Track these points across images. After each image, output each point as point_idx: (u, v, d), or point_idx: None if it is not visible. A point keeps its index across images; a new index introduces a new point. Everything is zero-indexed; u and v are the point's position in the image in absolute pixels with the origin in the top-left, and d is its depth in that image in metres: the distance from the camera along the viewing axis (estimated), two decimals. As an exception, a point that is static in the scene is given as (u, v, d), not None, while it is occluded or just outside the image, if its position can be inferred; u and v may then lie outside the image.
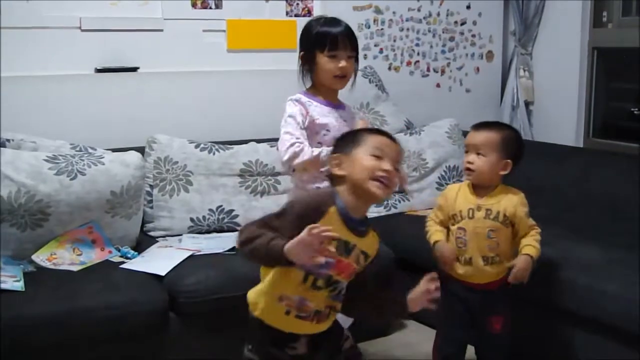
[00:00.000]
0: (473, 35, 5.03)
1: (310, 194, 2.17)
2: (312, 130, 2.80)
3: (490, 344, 2.91)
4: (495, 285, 2.84)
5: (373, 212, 4.07)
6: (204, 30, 4.13)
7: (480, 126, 2.88)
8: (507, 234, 2.81)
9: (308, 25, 2.88)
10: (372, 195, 2.12)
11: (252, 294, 2.20)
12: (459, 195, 2.88)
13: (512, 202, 2.83)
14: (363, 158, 2.12)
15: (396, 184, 2.17)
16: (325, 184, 2.56)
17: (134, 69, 3.92)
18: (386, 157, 2.13)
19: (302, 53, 2.86)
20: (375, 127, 2.22)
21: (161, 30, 4.01)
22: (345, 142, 2.21)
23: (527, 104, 5.04)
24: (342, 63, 2.76)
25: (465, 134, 3.00)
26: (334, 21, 2.87)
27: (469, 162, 2.82)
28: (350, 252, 2.13)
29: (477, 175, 2.82)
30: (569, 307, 3.00)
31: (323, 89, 2.87)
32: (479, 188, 2.85)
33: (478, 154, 2.81)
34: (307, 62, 2.85)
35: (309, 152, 2.69)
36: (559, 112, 4.87)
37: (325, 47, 2.77)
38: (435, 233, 2.88)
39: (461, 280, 2.84)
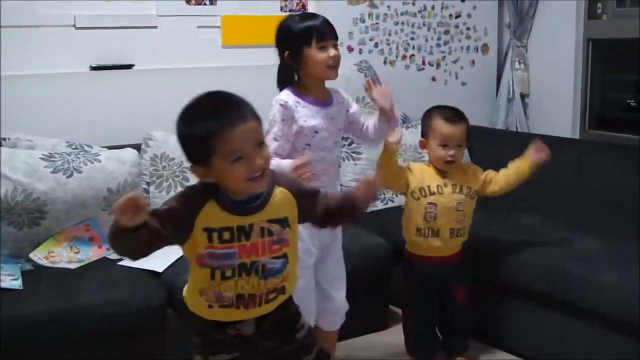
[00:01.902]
0: (468, 28, 5.03)
1: (182, 194, 2.03)
2: (301, 133, 2.76)
3: (457, 313, 3.07)
4: (457, 258, 3.05)
5: (370, 206, 4.07)
6: (198, 27, 4.13)
7: (454, 118, 2.97)
8: (471, 205, 3.02)
9: (286, 25, 2.82)
10: (253, 192, 1.99)
11: (184, 290, 2.17)
12: (425, 173, 3.00)
13: (469, 175, 3.04)
14: (227, 168, 1.91)
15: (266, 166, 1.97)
16: (318, 182, 2.56)
17: (129, 66, 3.92)
18: (247, 153, 1.91)
19: (287, 52, 2.79)
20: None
21: (156, 27, 4.01)
22: (198, 152, 1.96)
23: (523, 96, 5.04)
24: (333, 52, 2.73)
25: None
26: (311, 15, 2.89)
27: (451, 156, 2.93)
28: (249, 234, 2.00)
29: (455, 165, 2.98)
30: (565, 298, 3.01)
31: (312, 85, 2.81)
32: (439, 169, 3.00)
33: (459, 145, 2.95)
34: (294, 60, 2.79)
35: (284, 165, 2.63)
36: (555, 104, 4.87)
37: (312, 39, 2.73)
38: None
39: (427, 256, 3.01)
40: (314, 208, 2.18)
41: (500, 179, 3.04)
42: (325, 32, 2.74)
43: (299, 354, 2.22)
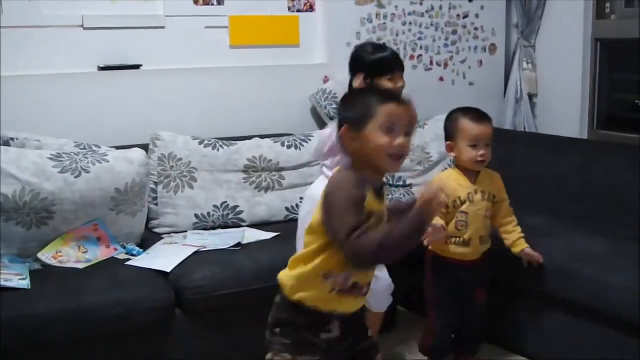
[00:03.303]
0: (476, 29, 5.02)
1: (345, 179, 2.08)
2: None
3: (475, 315, 3.06)
4: (483, 260, 3.02)
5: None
6: (206, 27, 4.13)
7: (481, 118, 2.95)
8: (491, 211, 3.01)
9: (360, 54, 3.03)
10: (388, 170, 2.13)
11: (286, 277, 2.17)
12: (454, 182, 2.94)
13: (497, 182, 3.03)
14: (375, 135, 2.05)
15: (409, 151, 2.12)
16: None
17: (137, 67, 3.92)
18: (399, 128, 2.07)
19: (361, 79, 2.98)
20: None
21: (163, 28, 4.01)
22: (354, 113, 2.11)
23: (531, 96, 5.03)
24: (401, 83, 2.97)
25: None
26: (383, 47, 3.09)
27: (482, 156, 2.90)
28: (380, 221, 2.09)
29: (486, 164, 2.96)
30: (572, 298, 3.00)
31: None
32: (468, 172, 2.96)
33: (487, 145, 2.92)
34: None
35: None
36: (563, 104, 4.86)
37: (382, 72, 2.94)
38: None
39: (455, 259, 2.97)
40: None
41: (499, 221, 3.06)
42: (394, 65, 2.97)
43: (372, 352, 2.29)
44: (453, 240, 2.94)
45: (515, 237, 3.03)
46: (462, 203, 2.92)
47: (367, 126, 2.05)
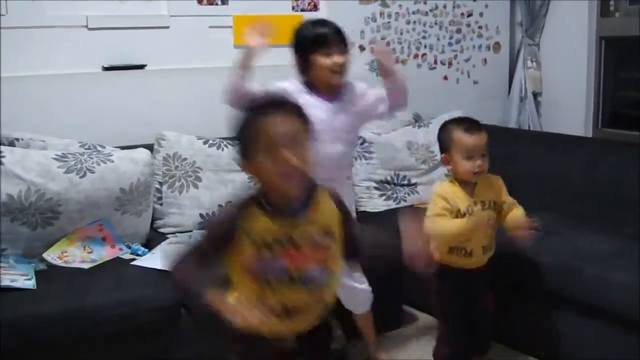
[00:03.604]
0: (480, 27, 5.01)
1: (220, 214, 2.03)
2: None
3: (486, 319, 3.02)
4: (487, 266, 2.97)
5: (382, 205, 4.08)
6: (210, 27, 4.13)
7: (474, 128, 2.87)
8: (495, 218, 2.94)
9: (298, 30, 3.02)
10: (289, 192, 1.94)
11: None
12: (454, 194, 2.87)
13: (496, 187, 2.96)
14: (264, 163, 1.90)
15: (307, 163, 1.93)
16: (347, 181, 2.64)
17: (141, 67, 3.92)
18: (288, 147, 1.88)
19: (297, 56, 3.00)
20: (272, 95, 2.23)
21: (167, 28, 4.01)
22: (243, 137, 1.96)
23: (535, 94, 5.03)
24: (337, 58, 2.88)
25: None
26: (322, 22, 3.01)
27: (479, 167, 2.83)
28: (297, 243, 1.94)
29: (483, 175, 2.89)
30: (577, 296, 3.00)
31: (319, 86, 2.98)
32: (466, 183, 2.89)
33: (483, 155, 2.85)
34: (303, 63, 2.97)
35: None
36: (567, 103, 4.85)
37: (319, 46, 2.89)
38: (454, 221, 2.83)
39: (458, 268, 2.93)
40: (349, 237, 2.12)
41: (504, 217, 2.97)
42: (330, 40, 2.86)
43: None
44: (455, 251, 2.90)
45: (515, 212, 2.93)
46: (462, 215, 2.84)
47: (252, 153, 1.93)
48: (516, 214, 2.92)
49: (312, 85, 2.97)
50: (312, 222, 1.98)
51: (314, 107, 2.80)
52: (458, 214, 2.84)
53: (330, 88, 2.96)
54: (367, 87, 3.07)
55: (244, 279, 1.98)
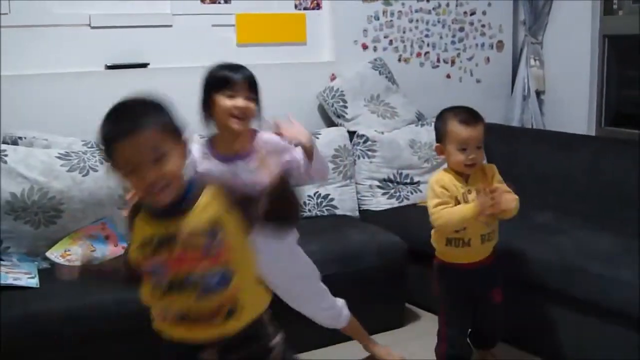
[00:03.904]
0: (483, 25, 5.01)
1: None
2: None
3: (495, 315, 3.02)
4: (491, 260, 2.93)
5: (385, 204, 4.08)
6: (213, 25, 4.13)
7: (470, 120, 2.83)
8: None
9: (207, 71, 2.75)
10: (155, 204, 1.86)
11: None
12: (450, 183, 2.85)
13: (490, 175, 2.90)
14: (124, 178, 1.84)
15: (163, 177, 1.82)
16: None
17: (144, 65, 3.93)
18: (139, 166, 1.79)
19: (202, 96, 2.73)
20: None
21: (170, 26, 4.02)
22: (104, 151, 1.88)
23: (538, 93, 5.02)
24: (240, 102, 2.64)
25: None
26: (236, 66, 2.74)
27: (471, 159, 2.80)
28: (174, 245, 1.84)
29: (476, 168, 2.85)
30: (580, 294, 2.99)
31: (222, 135, 2.72)
32: (459, 172, 2.86)
33: (478, 147, 2.82)
34: (206, 105, 2.71)
35: None
36: (571, 101, 4.85)
37: (222, 87, 2.65)
38: (462, 206, 2.79)
39: (460, 264, 2.90)
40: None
41: None
42: (236, 81, 2.65)
43: None
44: (453, 242, 2.87)
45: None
46: (458, 203, 2.82)
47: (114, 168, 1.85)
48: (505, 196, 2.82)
49: (215, 141, 2.74)
50: (191, 223, 1.85)
51: (211, 169, 2.67)
52: (456, 202, 2.83)
53: (231, 142, 2.71)
54: (284, 144, 2.72)
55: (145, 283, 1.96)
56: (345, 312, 3.06)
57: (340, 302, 3.05)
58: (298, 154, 2.70)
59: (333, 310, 3.02)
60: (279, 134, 2.66)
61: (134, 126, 1.80)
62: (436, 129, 2.93)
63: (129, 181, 1.82)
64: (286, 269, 2.86)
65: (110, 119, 1.87)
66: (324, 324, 3.03)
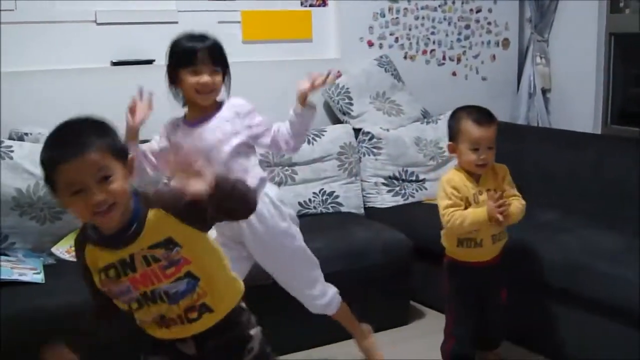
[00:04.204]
0: (489, 23, 5.00)
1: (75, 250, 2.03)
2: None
3: (499, 314, 3.02)
4: (499, 259, 2.94)
5: (390, 201, 4.08)
6: (218, 22, 4.12)
7: (484, 120, 2.82)
8: None
9: (172, 43, 2.80)
10: (104, 226, 1.89)
11: None
12: (461, 183, 2.84)
13: (501, 175, 2.91)
14: (68, 201, 1.83)
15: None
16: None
17: (150, 62, 3.93)
18: (86, 186, 1.79)
19: (167, 70, 2.81)
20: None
21: (176, 23, 4.01)
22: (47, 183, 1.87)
23: (544, 91, 5.01)
24: (204, 78, 2.70)
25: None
26: (199, 37, 2.78)
27: (483, 159, 2.80)
28: (133, 265, 1.90)
29: (487, 168, 2.85)
30: (584, 293, 2.98)
31: (190, 105, 2.83)
32: (471, 172, 2.86)
33: (489, 147, 2.81)
34: (173, 80, 2.79)
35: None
36: (577, 99, 4.84)
37: (187, 63, 2.70)
38: (474, 210, 2.79)
39: (469, 262, 2.90)
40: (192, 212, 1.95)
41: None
42: (199, 57, 2.69)
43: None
44: (465, 243, 2.87)
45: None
46: (469, 204, 2.82)
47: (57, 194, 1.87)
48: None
49: (188, 110, 2.84)
50: (143, 242, 1.89)
51: (183, 136, 2.79)
52: (466, 202, 2.83)
53: (199, 112, 2.80)
54: (253, 110, 2.84)
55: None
56: (336, 300, 3.04)
57: (333, 290, 3.03)
58: (268, 122, 2.82)
59: (324, 298, 3.00)
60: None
61: (80, 147, 1.78)
62: (449, 127, 2.93)
63: (72, 205, 1.82)
64: (276, 251, 2.89)
65: (53, 141, 1.85)
66: (312, 310, 3.01)
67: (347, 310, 3.10)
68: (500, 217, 2.71)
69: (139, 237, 1.88)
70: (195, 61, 2.68)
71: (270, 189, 2.90)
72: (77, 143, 1.80)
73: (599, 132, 4.68)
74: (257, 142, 2.85)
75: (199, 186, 1.78)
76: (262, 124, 2.81)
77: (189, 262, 1.93)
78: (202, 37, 2.75)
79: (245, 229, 2.82)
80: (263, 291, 2.88)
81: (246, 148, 2.81)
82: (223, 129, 2.76)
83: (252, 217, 2.69)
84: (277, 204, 2.87)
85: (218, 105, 2.81)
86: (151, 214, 1.90)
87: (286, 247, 2.91)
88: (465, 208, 2.82)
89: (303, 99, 2.79)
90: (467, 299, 2.92)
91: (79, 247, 1.98)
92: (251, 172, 2.81)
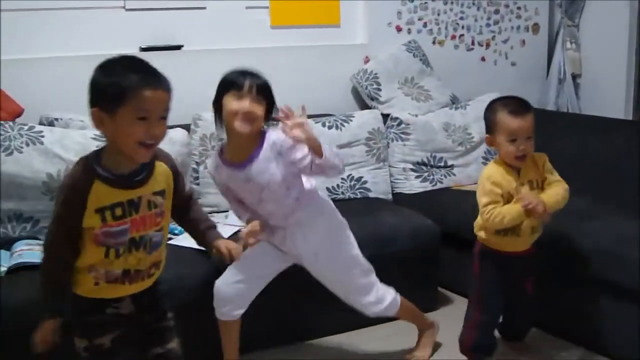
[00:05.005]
0: (518, 8, 4.96)
1: (65, 181, 2.06)
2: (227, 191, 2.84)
3: (527, 304, 3.00)
4: (532, 250, 2.91)
5: (419, 187, 4.07)
6: (247, 8, 4.14)
7: (520, 110, 2.78)
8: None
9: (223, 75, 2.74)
10: (138, 160, 2.05)
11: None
12: (501, 177, 2.80)
13: (541, 165, 2.87)
14: (127, 123, 1.96)
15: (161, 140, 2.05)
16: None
17: (178, 47, 3.94)
18: (153, 116, 1.99)
19: (213, 101, 2.77)
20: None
21: (204, 9, 4.03)
22: (109, 95, 1.99)
23: (574, 76, 4.97)
24: (245, 104, 2.61)
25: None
26: (249, 72, 2.70)
27: (522, 151, 2.75)
28: (138, 207, 2.07)
29: (527, 159, 2.81)
30: (617, 280, 2.96)
31: (230, 141, 2.75)
32: (512, 164, 2.82)
33: (528, 138, 2.77)
34: (217, 109, 2.74)
35: None
36: (607, 85, 4.79)
37: (229, 89, 2.66)
38: (511, 207, 2.75)
39: (503, 251, 2.87)
40: (179, 192, 2.28)
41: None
42: (245, 84, 2.63)
43: (168, 333, 2.28)
44: (502, 231, 2.82)
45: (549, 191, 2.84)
46: (511, 197, 2.77)
47: (117, 111, 1.97)
48: (547, 192, 2.83)
49: (228, 147, 2.77)
50: (150, 187, 2.10)
51: (230, 179, 2.76)
52: (508, 196, 2.79)
53: (238, 146, 2.72)
54: (293, 146, 2.67)
55: (92, 247, 2.05)
56: (394, 304, 3.03)
57: (390, 295, 3.02)
58: (305, 150, 2.66)
59: (380, 305, 2.99)
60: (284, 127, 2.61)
61: (167, 83, 2.05)
62: (485, 119, 2.89)
63: (131, 127, 1.96)
64: (328, 258, 2.89)
65: (142, 68, 2.06)
66: (370, 315, 3.02)
67: (409, 308, 3.13)
68: (538, 209, 2.69)
69: (148, 182, 2.09)
70: (240, 87, 2.63)
71: (324, 197, 2.96)
72: (164, 78, 2.05)
73: (630, 117, 4.64)
74: (303, 173, 2.80)
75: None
76: (305, 158, 2.68)
77: (164, 216, 2.17)
78: (253, 72, 2.69)
79: (299, 239, 2.85)
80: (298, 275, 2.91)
81: (292, 177, 2.78)
82: (270, 171, 2.70)
83: (305, 228, 2.81)
84: (332, 211, 2.93)
85: (258, 142, 2.72)
86: (157, 164, 2.14)
87: (340, 255, 2.92)
88: (508, 201, 2.77)
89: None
90: (497, 287, 2.89)
91: (84, 184, 2.01)
92: (307, 194, 2.84)
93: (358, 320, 3.16)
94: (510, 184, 2.79)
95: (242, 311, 2.90)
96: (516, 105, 2.80)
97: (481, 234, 2.91)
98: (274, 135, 2.71)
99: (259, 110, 2.64)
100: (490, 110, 2.86)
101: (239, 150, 2.71)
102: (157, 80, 2.01)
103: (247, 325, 2.97)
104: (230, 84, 2.66)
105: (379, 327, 3.34)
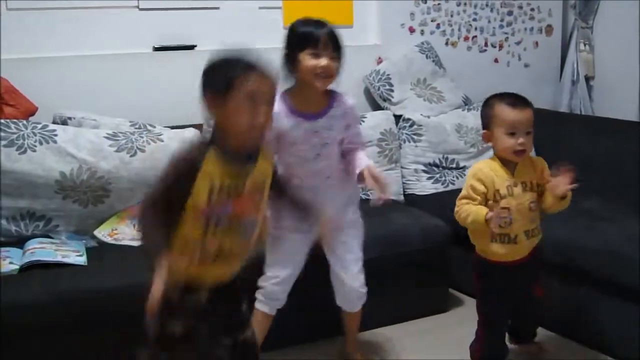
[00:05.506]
0: (532, 9, 4.95)
1: (181, 152, 2.11)
2: (279, 139, 2.76)
3: (534, 308, 2.99)
4: (532, 254, 2.81)
5: (430, 188, 4.06)
6: (260, 8, 4.14)
7: (519, 103, 2.71)
8: (537, 200, 2.76)
9: (290, 27, 2.81)
10: (247, 143, 2.11)
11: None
12: (492, 173, 2.72)
13: (539, 169, 2.77)
14: (238, 111, 2.03)
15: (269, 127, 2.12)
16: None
17: (192, 47, 3.95)
18: (261, 103, 2.06)
19: (285, 53, 2.77)
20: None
21: (218, 9, 4.03)
22: (219, 82, 2.09)
23: (588, 78, 4.96)
24: (324, 61, 2.68)
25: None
26: (317, 22, 2.76)
27: (521, 145, 2.67)
28: (244, 189, 2.10)
29: (526, 155, 2.73)
30: (626, 282, 2.96)
31: (304, 93, 2.78)
32: (507, 162, 2.73)
33: (527, 133, 2.69)
34: (290, 62, 2.76)
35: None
36: (621, 87, 4.78)
37: (307, 46, 2.69)
38: (479, 209, 2.67)
39: (502, 261, 2.76)
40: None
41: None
42: (321, 41, 2.68)
43: (242, 327, 2.30)
44: (499, 238, 2.72)
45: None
46: (502, 197, 2.69)
47: (230, 98, 2.04)
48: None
49: (295, 96, 2.78)
50: (256, 172, 2.13)
51: (293, 128, 2.75)
52: (497, 195, 2.70)
53: (313, 99, 2.79)
54: (354, 112, 2.91)
55: (191, 221, 2.06)
56: (363, 299, 3.03)
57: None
58: (359, 129, 2.92)
59: (359, 293, 2.98)
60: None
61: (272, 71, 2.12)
62: (482, 115, 2.82)
63: (238, 113, 2.02)
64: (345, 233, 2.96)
65: (244, 59, 2.13)
66: (345, 299, 3.00)
67: (359, 317, 3.10)
68: (494, 228, 2.61)
69: (254, 165, 2.12)
70: (317, 45, 2.68)
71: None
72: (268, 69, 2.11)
73: (643, 120, 4.62)
74: (344, 143, 2.90)
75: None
76: (360, 134, 2.94)
77: (262, 204, 2.21)
78: (322, 23, 2.75)
79: (330, 197, 2.86)
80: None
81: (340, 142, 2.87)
82: (335, 129, 2.80)
83: (338, 195, 2.91)
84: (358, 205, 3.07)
85: (329, 97, 2.82)
86: (262, 154, 2.17)
87: (354, 241, 2.99)
88: (496, 201, 2.69)
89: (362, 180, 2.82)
90: (499, 301, 2.81)
91: (199, 151, 2.06)
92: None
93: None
94: (503, 181, 2.70)
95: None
96: (514, 98, 2.73)
97: (476, 244, 2.84)
98: (345, 97, 2.86)
99: (336, 64, 2.72)
100: (488, 105, 2.80)
101: (310, 102, 2.78)
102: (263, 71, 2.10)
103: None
104: (305, 40, 2.70)
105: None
